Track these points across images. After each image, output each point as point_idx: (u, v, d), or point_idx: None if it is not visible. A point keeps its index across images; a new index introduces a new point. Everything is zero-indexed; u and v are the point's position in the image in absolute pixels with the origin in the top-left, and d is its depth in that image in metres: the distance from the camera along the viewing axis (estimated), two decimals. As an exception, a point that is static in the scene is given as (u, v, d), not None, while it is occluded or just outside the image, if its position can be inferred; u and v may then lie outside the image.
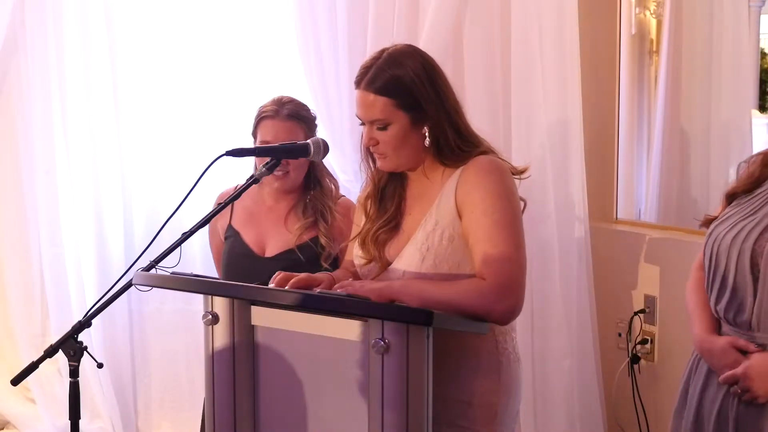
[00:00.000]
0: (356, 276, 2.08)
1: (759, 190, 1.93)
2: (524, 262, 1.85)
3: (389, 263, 1.96)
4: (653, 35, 3.21)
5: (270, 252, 2.56)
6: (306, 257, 2.50)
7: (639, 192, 3.34)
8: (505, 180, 1.88)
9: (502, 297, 1.79)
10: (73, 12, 3.49)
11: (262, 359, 1.82)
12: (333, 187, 2.64)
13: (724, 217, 1.96)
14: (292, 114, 2.54)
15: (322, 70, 3.22)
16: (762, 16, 2.96)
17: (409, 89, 1.88)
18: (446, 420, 1.90)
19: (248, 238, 2.58)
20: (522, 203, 1.95)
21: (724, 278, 1.90)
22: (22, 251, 3.77)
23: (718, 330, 1.96)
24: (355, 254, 2.05)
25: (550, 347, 3.09)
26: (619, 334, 3.19)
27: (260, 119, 2.57)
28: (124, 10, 3.54)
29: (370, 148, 1.96)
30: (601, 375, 3.16)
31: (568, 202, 3.10)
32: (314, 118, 2.62)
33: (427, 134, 1.91)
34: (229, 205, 2.61)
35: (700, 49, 3.08)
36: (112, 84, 3.54)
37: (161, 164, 3.57)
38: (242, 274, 2.47)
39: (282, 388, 1.80)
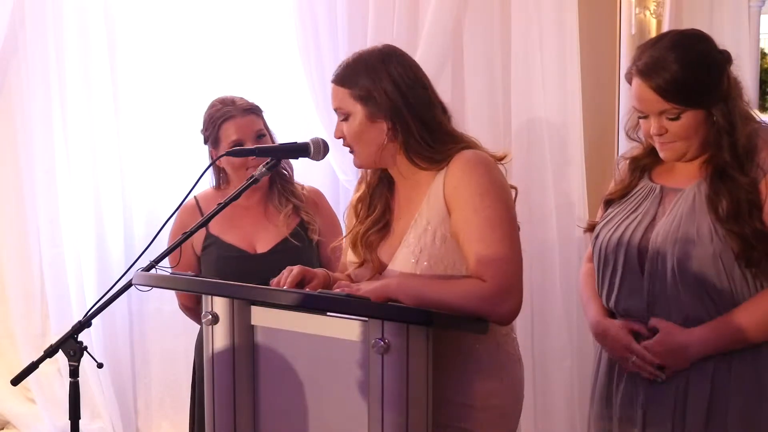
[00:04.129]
0: (351, 280, 2.08)
1: (633, 192, 2.07)
2: (521, 259, 1.85)
3: (382, 265, 1.96)
4: (653, 35, 3.20)
5: (263, 248, 2.57)
6: (300, 242, 2.56)
7: (639, 192, 3.33)
8: (492, 173, 1.86)
9: (504, 298, 1.79)
10: (73, 12, 3.49)
11: (262, 359, 1.82)
12: (289, 168, 2.68)
13: (607, 219, 2.08)
14: (247, 108, 2.61)
15: (322, 70, 3.22)
16: (762, 16, 2.97)
17: (362, 81, 1.91)
18: (449, 423, 1.89)
19: (234, 240, 2.59)
20: (513, 191, 1.93)
21: (613, 275, 2.01)
22: (22, 251, 3.78)
23: (611, 316, 2.08)
24: (348, 257, 2.05)
25: (550, 347, 3.09)
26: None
27: (222, 122, 2.58)
28: (124, 10, 3.54)
29: (342, 142, 1.98)
30: (601, 375, 3.15)
31: (568, 203, 3.10)
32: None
33: (387, 130, 1.91)
34: (199, 214, 2.63)
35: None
36: (112, 84, 3.54)
37: (161, 164, 3.57)
38: (238, 275, 2.47)
39: (282, 388, 1.80)
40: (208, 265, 2.59)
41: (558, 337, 3.09)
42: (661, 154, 1.99)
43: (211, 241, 2.60)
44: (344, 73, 1.94)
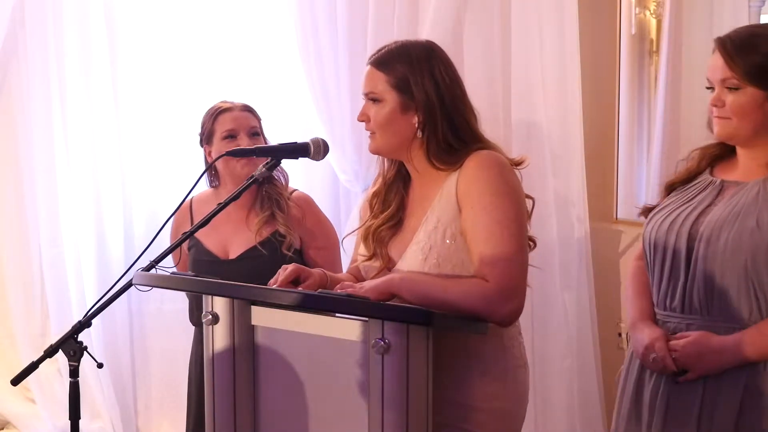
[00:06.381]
0: (356, 275, 2.08)
1: (695, 181, 2.02)
2: (526, 262, 1.84)
3: (391, 262, 1.96)
4: (653, 35, 3.20)
5: (233, 254, 2.58)
6: (269, 252, 2.53)
7: (639, 192, 3.33)
8: (506, 175, 1.86)
9: (506, 299, 1.78)
10: (73, 12, 3.50)
11: (262, 359, 1.82)
12: (282, 177, 2.67)
13: (662, 206, 2.03)
14: (245, 107, 2.65)
15: (322, 70, 3.22)
16: (762, 17, 2.96)
17: (403, 70, 1.90)
18: (450, 423, 1.88)
19: (210, 244, 2.60)
20: (530, 201, 1.94)
21: (663, 263, 1.96)
22: (22, 251, 3.78)
23: (654, 317, 2.02)
24: (360, 251, 2.05)
25: (550, 347, 3.09)
26: (619, 334, 3.18)
27: (217, 114, 2.62)
28: (124, 10, 3.54)
29: (362, 123, 1.97)
30: (601, 375, 3.15)
31: (567, 202, 3.10)
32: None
33: (416, 124, 1.91)
34: (189, 216, 2.66)
35: (700, 49, 3.07)
36: (112, 84, 3.54)
37: (161, 164, 3.57)
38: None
39: (282, 388, 1.80)
40: (189, 266, 2.62)
41: (558, 337, 3.08)
42: (714, 130, 1.95)
43: (193, 243, 2.62)
44: (386, 57, 1.93)
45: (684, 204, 1.98)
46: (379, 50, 1.97)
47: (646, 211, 2.09)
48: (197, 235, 2.51)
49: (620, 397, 2.10)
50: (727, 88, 1.88)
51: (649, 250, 2.01)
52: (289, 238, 2.54)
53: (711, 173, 2.02)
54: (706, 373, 1.87)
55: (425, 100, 1.89)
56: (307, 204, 2.66)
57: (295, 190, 2.69)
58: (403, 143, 1.93)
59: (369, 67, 1.96)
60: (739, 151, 1.98)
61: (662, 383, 1.95)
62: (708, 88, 1.94)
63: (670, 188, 2.07)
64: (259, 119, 2.67)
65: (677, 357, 1.89)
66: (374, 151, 2.00)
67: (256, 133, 2.61)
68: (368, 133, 1.97)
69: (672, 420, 1.93)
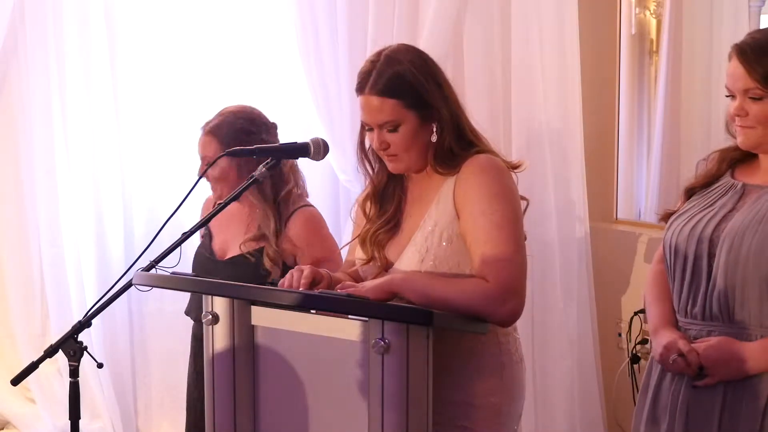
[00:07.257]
0: (355, 277, 2.08)
1: (716, 184, 1.99)
2: (525, 263, 1.85)
3: (389, 264, 1.96)
4: (653, 35, 3.21)
5: (226, 256, 2.57)
6: (256, 260, 2.49)
7: (639, 192, 3.34)
8: (503, 178, 1.87)
9: (507, 299, 1.79)
10: (73, 12, 3.50)
11: (262, 359, 1.82)
12: (292, 192, 2.55)
13: (683, 211, 2.00)
14: (207, 131, 2.54)
15: (322, 70, 3.22)
16: (762, 16, 2.96)
17: (412, 86, 1.88)
18: (448, 421, 1.89)
19: (216, 240, 2.61)
20: (525, 202, 1.94)
21: (684, 269, 1.94)
22: (22, 251, 3.78)
23: (675, 322, 1.98)
24: (357, 254, 2.05)
25: (550, 347, 3.09)
26: (619, 334, 3.18)
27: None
28: (124, 10, 3.55)
29: (381, 151, 1.94)
30: (601, 375, 3.15)
31: (568, 202, 3.10)
32: (245, 132, 2.50)
33: (434, 130, 1.91)
34: (212, 208, 2.62)
35: (699, 49, 3.08)
36: (112, 84, 3.55)
37: (161, 164, 3.58)
38: (200, 275, 2.41)
39: (282, 388, 1.80)
40: (194, 256, 2.62)
41: (558, 337, 3.08)
42: (738, 140, 1.91)
43: (205, 232, 2.64)
44: (388, 83, 1.87)
45: (705, 209, 1.94)
46: (367, 74, 1.90)
47: (667, 215, 2.05)
48: (211, 226, 2.55)
49: (640, 401, 2.08)
50: (750, 97, 1.84)
51: (669, 256, 1.98)
52: (273, 273, 2.46)
53: (732, 176, 1.98)
54: (726, 379, 1.84)
55: (441, 104, 1.90)
56: (306, 231, 2.53)
57: (304, 205, 2.57)
58: (425, 155, 1.93)
59: (369, 96, 1.89)
60: (762, 155, 1.94)
61: (682, 389, 1.91)
62: (728, 96, 1.91)
63: (689, 192, 2.03)
64: (219, 142, 2.49)
65: (698, 359, 1.85)
66: (402, 172, 1.98)
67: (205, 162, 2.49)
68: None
69: (693, 426, 1.89)
